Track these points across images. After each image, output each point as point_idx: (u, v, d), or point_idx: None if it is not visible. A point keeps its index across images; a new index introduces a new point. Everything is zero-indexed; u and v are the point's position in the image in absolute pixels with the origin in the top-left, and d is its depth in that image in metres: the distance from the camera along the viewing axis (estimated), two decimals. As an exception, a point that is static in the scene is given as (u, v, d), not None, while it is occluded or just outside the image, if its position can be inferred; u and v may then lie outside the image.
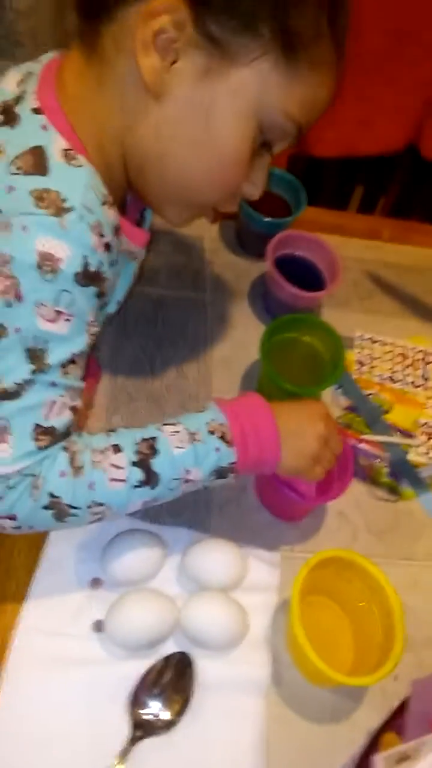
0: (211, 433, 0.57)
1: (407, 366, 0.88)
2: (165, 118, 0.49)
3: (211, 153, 0.51)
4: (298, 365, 0.82)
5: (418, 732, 0.55)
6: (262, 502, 0.74)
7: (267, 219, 0.91)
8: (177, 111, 0.49)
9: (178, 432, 0.57)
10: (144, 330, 0.86)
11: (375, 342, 0.90)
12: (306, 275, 0.89)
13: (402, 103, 1.20)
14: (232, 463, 0.58)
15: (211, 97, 0.48)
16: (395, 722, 0.58)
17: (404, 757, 0.54)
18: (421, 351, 0.90)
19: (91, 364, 0.75)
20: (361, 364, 0.87)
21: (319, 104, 0.51)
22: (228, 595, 0.65)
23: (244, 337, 0.87)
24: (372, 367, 0.87)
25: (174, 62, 0.47)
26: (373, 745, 0.57)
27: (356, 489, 0.77)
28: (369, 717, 0.62)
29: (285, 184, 0.96)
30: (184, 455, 0.56)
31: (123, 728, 0.58)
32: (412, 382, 0.87)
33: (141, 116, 0.50)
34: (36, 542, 0.66)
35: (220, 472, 0.58)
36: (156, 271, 0.92)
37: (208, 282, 0.93)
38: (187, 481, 0.57)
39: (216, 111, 0.48)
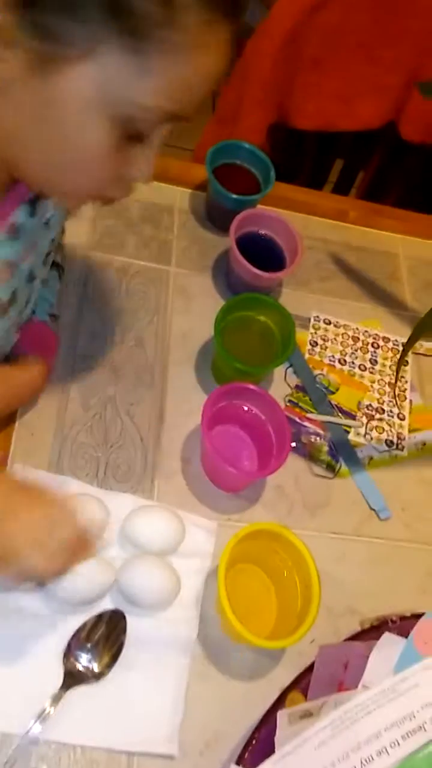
0: None
1: (357, 349, 0.91)
2: (5, 117, 0.45)
3: (61, 152, 0.46)
4: (252, 343, 0.85)
5: (321, 692, 0.61)
6: (205, 473, 0.78)
7: (234, 195, 0.92)
8: (15, 109, 0.44)
9: None
10: (106, 298, 0.89)
11: (329, 324, 0.93)
12: (268, 254, 0.91)
13: (383, 81, 1.20)
14: None
15: (48, 93, 0.42)
16: (301, 682, 0.63)
17: (307, 714, 0.60)
18: (372, 335, 0.93)
19: (48, 336, 0.77)
20: (314, 344, 0.91)
21: (195, 87, 0.44)
22: (163, 559, 0.69)
23: (203, 312, 0.90)
24: (324, 348, 0.91)
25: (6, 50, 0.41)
26: (280, 701, 0.62)
27: (296, 465, 0.82)
28: (284, 676, 0.67)
29: (255, 160, 0.97)
30: None
31: (57, 675, 0.63)
32: (360, 365, 0.90)
33: None
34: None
35: None
36: (122, 240, 0.94)
37: (174, 254, 0.95)
38: None
39: (56, 108, 0.43)
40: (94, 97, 0.42)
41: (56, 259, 0.82)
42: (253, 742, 0.59)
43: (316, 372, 0.88)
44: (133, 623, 0.66)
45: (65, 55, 0.40)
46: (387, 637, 0.63)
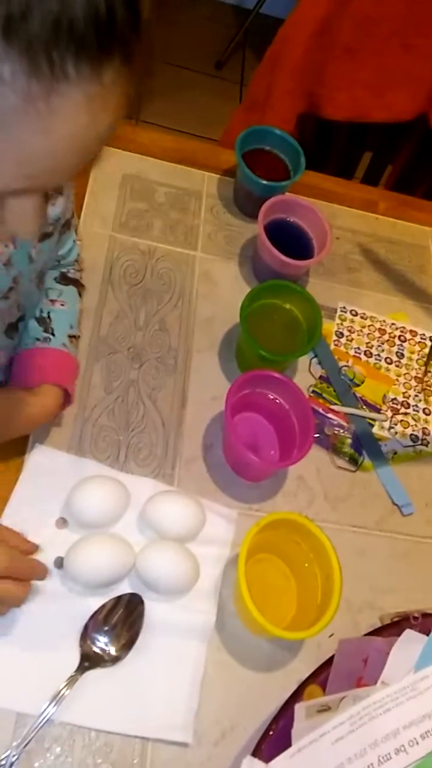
0: None
1: (384, 342, 0.90)
2: None
3: None
4: (277, 331, 0.84)
5: (339, 687, 0.60)
6: (227, 461, 0.77)
7: (264, 181, 0.91)
8: None
9: None
10: (131, 280, 0.88)
11: (356, 315, 0.91)
12: (296, 242, 0.90)
13: (416, 71, 1.18)
14: None
15: None
16: (320, 676, 0.62)
17: (325, 708, 0.59)
18: (399, 328, 0.92)
19: (67, 363, 0.73)
20: (340, 335, 0.89)
21: (41, 162, 0.35)
22: (183, 545, 0.69)
23: (229, 298, 0.89)
24: (350, 340, 0.89)
25: None
26: (298, 694, 0.61)
27: (318, 456, 0.80)
28: (302, 668, 0.66)
29: (286, 147, 0.96)
30: None
31: (74, 658, 0.62)
32: (386, 358, 0.89)
33: None
34: (8, 481, 0.70)
35: None
36: (149, 223, 0.93)
37: (200, 239, 0.94)
38: None
39: None
40: None
41: (75, 276, 0.80)
42: (270, 733, 0.58)
43: (342, 363, 0.87)
44: (150, 608, 0.65)
45: None
46: (408, 633, 0.62)
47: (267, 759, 0.56)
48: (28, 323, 0.72)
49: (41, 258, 0.66)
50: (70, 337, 0.74)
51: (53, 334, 0.72)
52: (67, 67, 0.31)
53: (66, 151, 0.35)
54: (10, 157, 0.34)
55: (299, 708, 0.59)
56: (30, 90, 0.31)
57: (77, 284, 0.79)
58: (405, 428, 0.84)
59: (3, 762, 0.57)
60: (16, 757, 0.58)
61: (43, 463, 0.71)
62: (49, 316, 0.73)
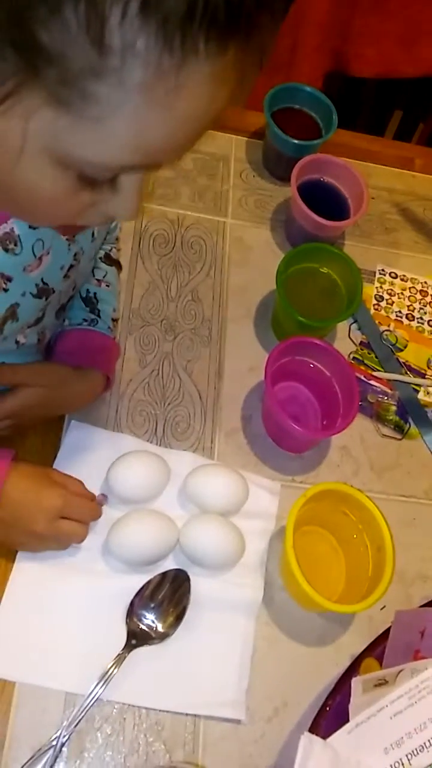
0: None
1: (426, 304, 0.86)
2: None
3: (12, 195, 0.40)
4: (314, 296, 0.81)
5: (396, 660, 0.58)
6: (267, 433, 0.75)
7: (295, 140, 0.87)
8: None
9: None
10: (161, 251, 0.85)
11: (396, 277, 0.88)
12: (331, 202, 0.86)
13: (449, 20, 1.12)
14: None
15: None
16: (376, 649, 0.60)
17: (382, 682, 0.57)
18: (442, 289, 0.88)
19: (110, 348, 0.71)
20: (380, 299, 0.86)
21: (159, 139, 0.35)
22: (227, 519, 0.67)
23: (262, 264, 0.86)
24: (390, 303, 0.86)
25: None
26: (354, 668, 0.59)
27: (362, 425, 0.77)
28: (354, 642, 0.64)
29: (316, 104, 0.92)
30: None
31: (121, 636, 0.61)
32: (429, 321, 0.85)
33: None
34: (45, 459, 0.68)
35: None
36: (177, 190, 0.90)
37: (230, 205, 0.91)
38: None
39: None
40: (23, 146, 0.35)
41: (116, 256, 0.77)
42: (326, 709, 0.57)
43: (383, 328, 0.84)
44: (196, 584, 0.64)
45: None
46: (466, 604, 0.60)
47: (324, 735, 0.54)
48: (74, 302, 0.70)
49: (101, 235, 0.65)
50: (113, 320, 0.73)
51: (99, 316, 0.71)
52: (198, 43, 0.31)
53: (184, 128, 0.35)
54: (131, 133, 0.34)
55: (356, 682, 0.57)
56: (160, 65, 0.31)
57: (118, 265, 0.77)
58: (451, 393, 0.81)
59: (54, 742, 0.56)
60: (66, 738, 0.57)
61: (81, 440, 0.70)
62: (96, 297, 0.72)
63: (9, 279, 0.53)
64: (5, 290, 0.54)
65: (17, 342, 0.60)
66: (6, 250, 0.52)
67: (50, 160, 0.36)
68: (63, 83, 0.31)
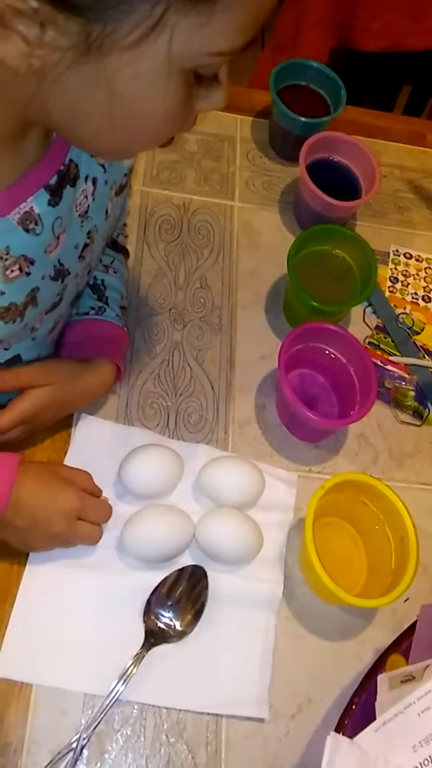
0: None
1: (443, 285, 0.83)
2: (64, 98, 0.39)
3: (125, 122, 0.41)
4: (327, 280, 0.78)
5: (423, 655, 0.56)
6: (282, 422, 0.73)
7: (302, 119, 0.84)
8: (73, 90, 0.38)
9: None
10: (168, 237, 0.83)
11: (410, 258, 0.85)
12: (341, 182, 0.84)
13: (459, -12, 1.08)
14: None
15: (108, 71, 0.37)
16: (402, 644, 0.58)
17: (409, 678, 0.55)
18: (459, 269, 0.85)
19: (119, 337, 0.70)
20: (395, 281, 0.83)
21: (261, 11, 0.38)
22: (243, 512, 0.65)
23: (271, 249, 0.83)
24: (405, 285, 0.83)
25: (43, 36, 0.35)
26: (379, 664, 0.57)
27: (379, 412, 0.75)
28: (378, 636, 0.63)
29: (323, 80, 0.89)
30: None
31: (138, 635, 0.59)
32: (447, 303, 0.82)
33: (40, 98, 0.40)
34: (55, 454, 0.67)
35: None
36: (182, 174, 0.87)
37: (237, 187, 0.88)
38: None
39: (121, 85, 0.38)
40: (157, 62, 0.37)
41: (123, 242, 0.76)
42: (353, 707, 0.55)
43: (398, 311, 0.81)
44: (214, 580, 0.62)
45: (124, 37, 0.35)
46: None
47: (351, 734, 0.52)
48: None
49: (114, 214, 0.63)
50: (121, 308, 0.71)
51: (107, 304, 0.69)
52: None
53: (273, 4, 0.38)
54: (244, 13, 0.36)
55: (382, 679, 0.55)
56: None
57: (125, 252, 0.75)
58: (471, 376, 0.78)
59: (74, 745, 0.55)
60: (86, 740, 0.55)
61: (91, 435, 0.68)
62: (103, 284, 0.69)
63: (32, 262, 0.51)
64: (28, 274, 0.52)
65: (33, 329, 0.58)
66: (27, 230, 0.49)
67: (177, 72, 0.38)
68: None
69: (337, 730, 0.54)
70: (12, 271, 0.50)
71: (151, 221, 0.83)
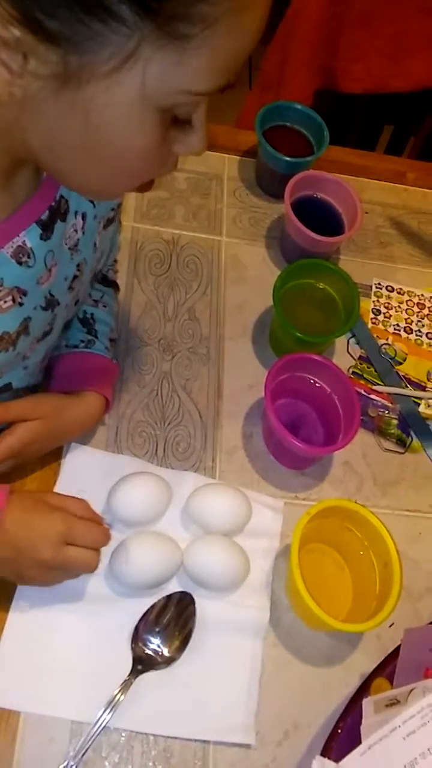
0: None
1: (424, 317, 0.86)
2: (44, 128, 0.41)
3: (102, 157, 0.42)
4: (311, 312, 0.81)
5: (407, 679, 0.57)
6: (268, 450, 0.74)
7: (287, 158, 0.88)
8: (52, 120, 0.40)
9: None
10: (157, 271, 0.85)
11: (392, 290, 0.88)
12: (325, 218, 0.87)
13: (437, 35, 1.13)
14: None
15: (86, 104, 0.38)
16: (387, 668, 0.59)
17: (394, 702, 0.56)
18: (439, 301, 0.88)
19: (109, 370, 0.71)
20: (377, 313, 0.86)
21: (240, 52, 0.39)
22: (231, 539, 0.66)
23: (258, 282, 0.86)
24: (387, 317, 0.86)
25: (26, 65, 0.36)
26: (364, 688, 0.58)
27: (364, 439, 0.77)
28: (363, 662, 0.63)
29: (307, 121, 0.93)
30: None
31: (126, 661, 0.60)
32: (428, 333, 0.85)
33: (20, 129, 0.41)
34: (46, 483, 0.68)
35: None
36: (171, 211, 0.90)
37: (225, 223, 0.91)
38: None
39: (96, 115, 0.39)
40: (138, 97, 0.38)
41: (113, 277, 0.78)
42: (338, 731, 0.56)
43: (381, 342, 0.84)
44: (202, 606, 0.63)
45: (99, 67, 0.36)
46: None
47: (337, 758, 0.53)
48: (72, 323, 0.70)
49: (101, 247, 0.65)
50: (111, 340, 0.72)
51: (96, 337, 0.70)
52: None
53: (253, 40, 0.39)
54: (227, 47, 0.37)
55: (367, 703, 0.56)
56: None
57: (115, 286, 0.77)
58: (452, 405, 0.80)
59: (61, 773, 0.55)
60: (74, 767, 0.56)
61: (81, 463, 0.69)
62: (92, 318, 0.71)
63: (24, 293, 0.53)
64: (20, 304, 0.54)
65: (25, 357, 0.59)
66: (20, 263, 0.52)
67: (152, 109, 0.39)
68: (175, 21, 0.34)
69: (323, 753, 0.55)
70: (5, 302, 0.52)
71: (141, 255, 0.86)
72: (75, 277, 0.60)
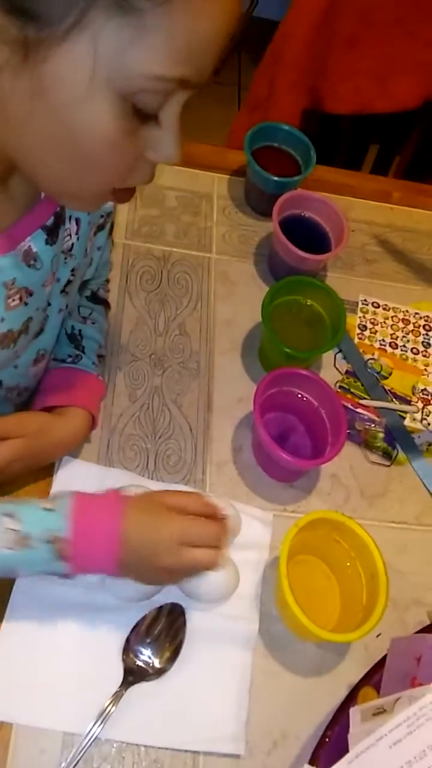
0: (47, 542, 0.53)
1: (409, 332, 0.88)
2: (11, 115, 0.40)
3: (70, 145, 0.41)
4: (299, 328, 0.82)
5: (394, 687, 0.58)
6: (258, 463, 0.76)
7: (275, 178, 0.90)
8: (10, 107, 0.39)
9: (13, 531, 0.53)
10: (148, 287, 0.87)
11: (378, 307, 0.90)
12: (312, 236, 0.89)
13: (421, 57, 1.16)
14: (62, 573, 0.56)
15: (43, 82, 0.37)
16: (373, 677, 0.60)
17: (380, 711, 0.57)
18: (423, 317, 0.90)
19: (95, 387, 0.72)
20: (363, 328, 0.88)
21: (203, 44, 0.38)
22: (220, 552, 0.67)
23: (247, 298, 0.88)
24: (374, 332, 0.87)
25: None
26: (352, 697, 0.59)
27: (351, 452, 0.79)
28: (351, 672, 0.64)
29: (295, 142, 0.95)
30: (11, 556, 0.53)
31: (117, 673, 0.61)
32: (413, 348, 0.87)
33: None
34: (41, 494, 0.68)
35: (49, 573, 0.56)
36: (162, 228, 0.92)
37: (214, 241, 0.93)
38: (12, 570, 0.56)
39: (54, 97, 0.38)
40: (92, 75, 0.37)
41: (104, 295, 0.79)
42: (326, 740, 0.57)
43: (367, 356, 0.85)
44: (192, 618, 0.64)
45: (50, 35, 0.35)
46: (460, 628, 0.60)
47: (325, 767, 0.54)
48: (60, 338, 0.71)
49: (93, 255, 0.66)
50: (99, 356, 0.73)
51: (84, 352, 0.71)
52: None
53: (218, 35, 0.38)
54: (185, 32, 0.36)
55: (354, 712, 0.57)
56: None
57: (106, 304, 0.79)
58: (437, 419, 0.82)
59: (53, 784, 0.56)
60: (65, 779, 0.56)
61: (73, 476, 0.70)
62: (80, 334, 0.72)
63: (31, 293, 0.55)
64: (26, 304, 0.56)
65: (17, 355, 0.61)
66: (29, 265, 0.54)
67: (109, 92, 0.38)
68: None
69: (311, 762, 0.55)
70: (13, 300, 0.54)
71: (132, 272, 0.87)
72: (69, 281, 0.62)
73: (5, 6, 0.35)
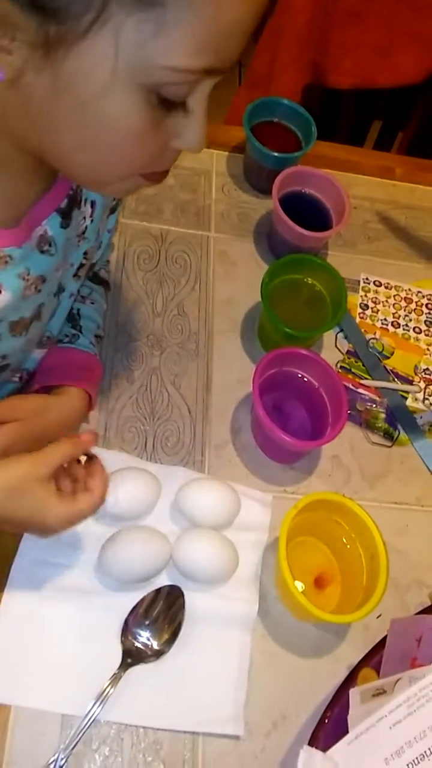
0: None
1: (411, 311, 0.87)
2: (28, 109, 0.40)
3: (96, 135, 0.41)
4: (300, 307, 0.81)
5: (394, 668, 0.57)
6: (257, 444, 0.75)
7: (275, 153, 0.88)
8: (36, 100, 0.39)
9: None
10: (146, 266, 0.85)
11: (380, 285, 0.88)
12: (313, 213, 0.87)
13: (425, 30, 1.14)
14: None
15: (67, 76, 0.37)
16: (373, 658, 0.60)
17: (380, 692, 0.56)
18: (425, 296, 0.88)
19: (93, 366, 0.71)
20: (365, 307, 0.86)
21: (228, 33, 0.37)
22: (219, 533, 0.66)
23: (246, 278, 0.86)
24: (375, 311, 0.86)
25: (11, 40, 0.36)
26: (351, 678, 0.59)
27: (352, 433, 0.78)
28: (351, 653, 0.64)
29: (295, 117, 0.93)
30: None
31: (116, 655, 0.60)
32: (415, 328, 0.86)
33: (11, 110, 0.41)
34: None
35: None
36: (159, 207, 0.90)
37: (213, 219, 0.91)
38: None
39: (79, 90, 0.38)
40: (115, 69, 0.37)
41: (105, 276, 0.78)
42: (325, 721, 0.56)
43: (369, 336, 0.84)
44: (191, 599, 0.63)
45: (70, 31, 0.35)
46: (461, 609, 0.60)
47: (324, 747, 0.53)
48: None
49: (103, 238, 0.65)
50: (97, 336, 0.72)
51: (81, 332, 0.70)
52: None
53: (243, 23, 0.37)
54: (209, 25, 0.36)
55: (354, 693, 0.57)
56: None
57: (106, 285, 0.78)
58: (439, 398, 0.81)
59: (52, 766, 0.56)
60: (64, 760, 0.56)
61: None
62: (78, 313, 0.72)
63: (44, 280, 0.55)
64: (39, 291, 0.55)
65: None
66: (42, 252, 0.53)
67: (134, 84, 0.37)
68: None
69: (311, 743, 0.55)
70: (29, 290, 0.53)
71: (129, 252, 0.86)
72: (81, 265, 0.62)
73: (25, 3, 0.34)
